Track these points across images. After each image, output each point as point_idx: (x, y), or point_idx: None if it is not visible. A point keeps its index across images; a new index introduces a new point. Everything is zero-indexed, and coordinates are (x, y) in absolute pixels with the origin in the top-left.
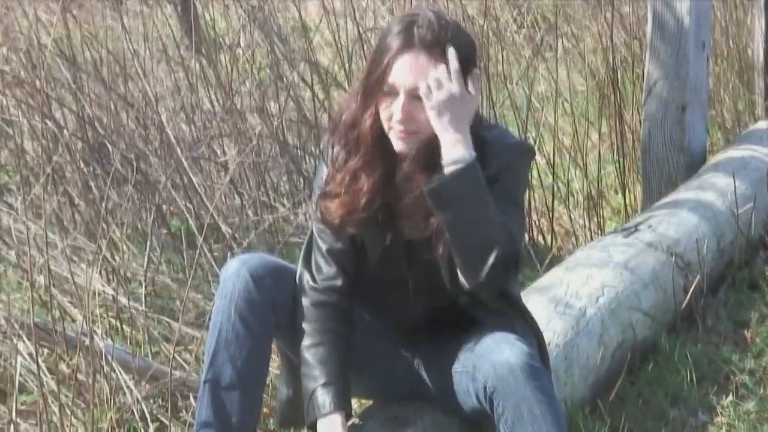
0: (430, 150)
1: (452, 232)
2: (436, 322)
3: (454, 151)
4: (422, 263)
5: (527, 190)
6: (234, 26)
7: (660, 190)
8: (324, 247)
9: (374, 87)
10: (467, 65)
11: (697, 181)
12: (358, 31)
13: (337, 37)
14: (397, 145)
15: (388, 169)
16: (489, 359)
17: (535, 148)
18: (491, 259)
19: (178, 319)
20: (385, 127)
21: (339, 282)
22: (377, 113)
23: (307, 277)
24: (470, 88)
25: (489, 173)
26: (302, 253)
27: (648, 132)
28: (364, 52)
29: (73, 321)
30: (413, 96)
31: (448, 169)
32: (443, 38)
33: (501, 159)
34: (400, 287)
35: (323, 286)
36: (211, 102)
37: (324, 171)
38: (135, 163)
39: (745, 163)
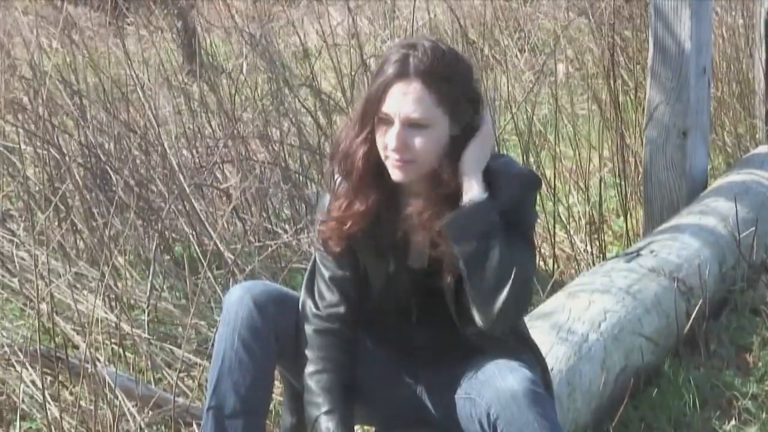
0: (432, 180)
1: (468, 265)
2: (439, 349)
3: (473, 186)
4: (427, 292)
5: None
6: (235, 50)
7: (662, 214)
8: (327, 274)
9: (370, 115)
10: (460, 102)
11: (699, 206)
12: (361, 57)
13: (338, 63)
14: (394, 174)
15: (384, 196)
16: (492, 386)
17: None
18: (504, 294)
19: (180, 345)
20: (382, 156)
21: (342, 309)
22: (373, 141)
23: (309, 304)
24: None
25: (499, 205)
26: (305, 280)
27: (649, 156)
28: (366, 78)
29: (76, 348)
30: (408, 124)
31: (467, 203)
32: (439, 67)
33: (510, 190)
34: (404, 315)
35: (326, 313)
36: (213, 128)
37: (327, 198)
38: (137, 190)
39: (746, 187)
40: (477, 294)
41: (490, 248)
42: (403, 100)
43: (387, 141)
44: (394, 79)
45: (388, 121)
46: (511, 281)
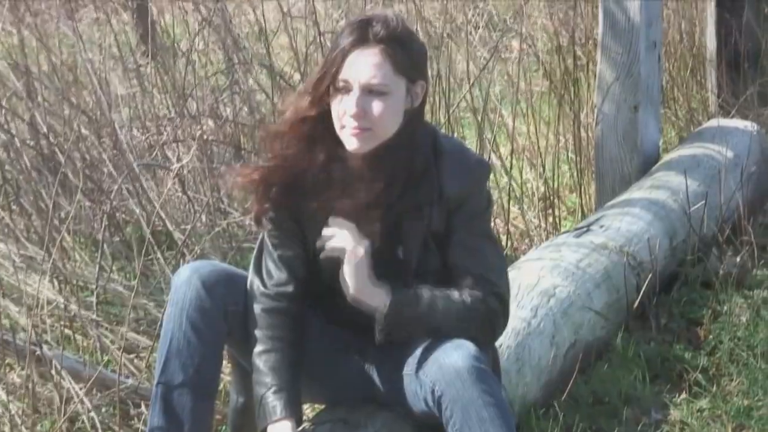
0: (378, 157)
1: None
2: None
3: (379, 301)
4: (376, 271)
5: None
6: (191, 31)
7: (614, 189)
8: (275, 252)
9: (325, 83)
10: (416, 74)
11: (650, 180)
12: (319, 32)
13: (294, 42)
14: (350, 142)
15: (320, 159)
16: (436, 363)
17: (492, 156)
18: (472, 335)
19: (129, 327)
20: (337, 126)
21: (290, 288)
22: (322, 109)
23: (257, 283)
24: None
25: (450, 194)
26: (253, 259)
27: (601, 131)
28: (321, 53)
29: (24, 331)
30: (367, 91)
31: (384, 314)
32: (399, 35)
33: (463, 181)
34: None
35: (274, 291)
36: (167, 108)
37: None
38: (85, 171)
39: (697, 161)
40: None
41: (432, 323)
42: (363, 66)
43: (345, 107)
44: (353, 46)
45: (346, 89)
46: (473, 324)
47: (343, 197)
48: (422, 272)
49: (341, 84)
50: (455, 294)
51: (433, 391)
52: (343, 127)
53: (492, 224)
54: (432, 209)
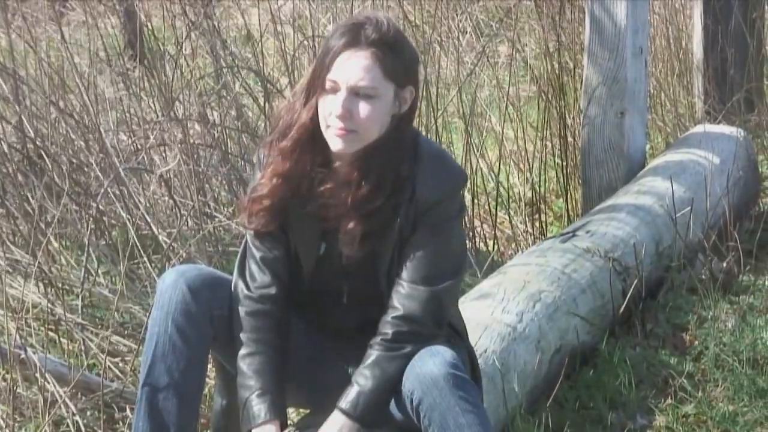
0: (366, 161)
1: None
2: (370, 331)
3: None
4: (358, 273)
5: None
6: (179, 35)
7: (600, 194)
8: (258, 255)
9: (316, 84)
10: (405, 80)
11: (636, 186)
12: (313, 35)
13: (283, 46)
14: (334, 143)
15: (314, 165)
16: (413, 371)
17: (479, 160)
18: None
19: (115, 330)
20: (323, 126)
21: (273, 290)
22: (315, 111)
23: (241, 285)
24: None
25: (421, 198)
26: (237, 262)
27: (587, 137)
28: (308, 57)
29: (9, 334)
30: (354, 93)
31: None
32: (389, 39)
33: (437, 187)
34: (335, 296)
35: (257, 294)
36: (155, 112)
37: (257, 177)
38: (72, 175)
39: (683, 166)
40: None
41: (386, 392)
42: (352, 67)
43: (331, 108)
44: (343, 47)
45: (334, 89)
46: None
47: (329, 200)
48: (394, 273)
49: (329, 84)
50: (376, 367)
51: (411, 399)
52: (328, 126)
53: (461, 231)
54: (403, 209)
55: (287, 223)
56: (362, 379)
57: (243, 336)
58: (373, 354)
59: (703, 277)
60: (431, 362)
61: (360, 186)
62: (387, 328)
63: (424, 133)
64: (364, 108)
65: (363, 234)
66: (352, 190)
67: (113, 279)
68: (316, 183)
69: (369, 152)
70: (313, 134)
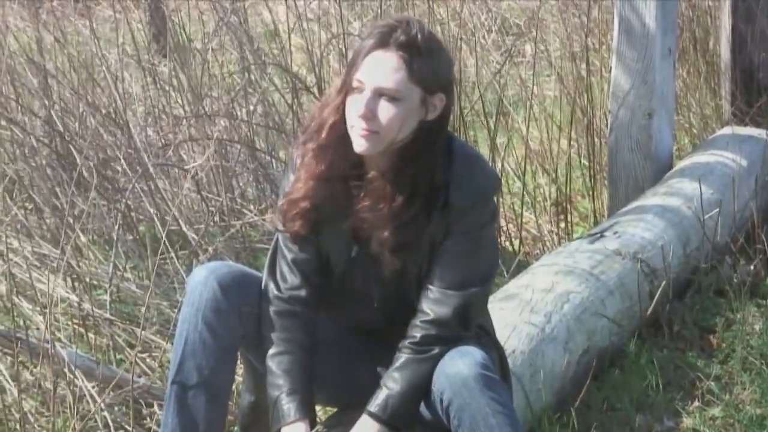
0: (393, 176)
1: None
2: (400, 334)
3: None
4: (389, 277)
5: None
6: (206, 30)
7: (627, 195)
8: (289, 256)
9: (346, 83)
10: (434, 86)
11: (663, 187)
12: (343, 33)
13: (309, 43)
14: (358, 143)
15: (345, 171)
16: (443, 371)
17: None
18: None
19: (142, 326)
20: (348, 126)
21: (303, 292)
22: (343, 111)
23: (271, 286)
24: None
25: (455, 203)
26: (267, 262)
27: (615, 138)
28: (344, 57)
29: (37, 329)
30: (379, 94)
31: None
32: (420, 43)
33: (470, 193)
34: (365, 298)
35: (288, 295)
36: (182, 107)
37: (290, 178)
38: (100, 169)
39: (711, 168)
40: None
41: (416, 397)
42: (378, 68)
43: (356, 108)
44: (372, 48)
45: (360, 89)
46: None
47: (363, 208)
48: (424, 279)
49: (356, 84)
50: (405, 370)
51: (441, 400)
52: (352, 126)
53: (493, 236)
54: (436, 215)
55: (319, 225)
56: (391, 382)
57: (273, 335)
58: (401, 357)
59: (732, 279)
60: (461, 362)
61: (394, 199)
62: (415, 332)
63: None
64: (387, 109)
65: (396, 243)
66: (387, 203)
67: (140, 275)
68: (353, 198)
69: (401, 165)
70: (344, 135)
